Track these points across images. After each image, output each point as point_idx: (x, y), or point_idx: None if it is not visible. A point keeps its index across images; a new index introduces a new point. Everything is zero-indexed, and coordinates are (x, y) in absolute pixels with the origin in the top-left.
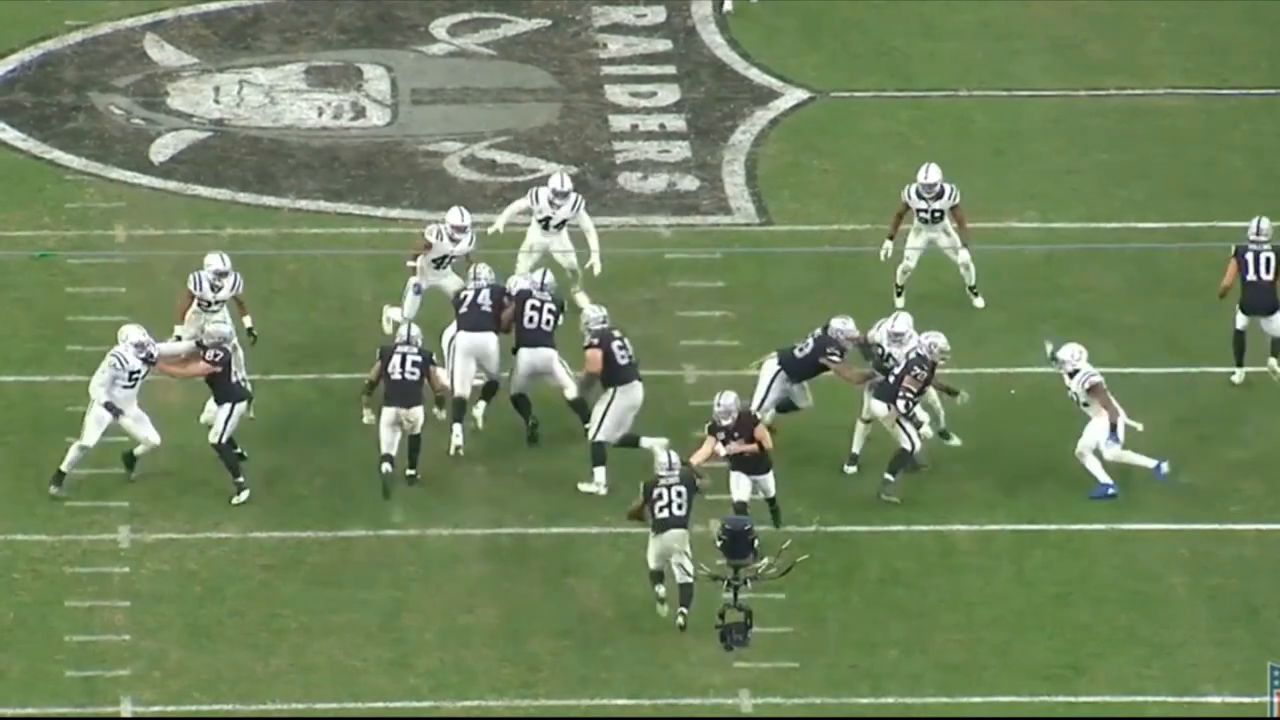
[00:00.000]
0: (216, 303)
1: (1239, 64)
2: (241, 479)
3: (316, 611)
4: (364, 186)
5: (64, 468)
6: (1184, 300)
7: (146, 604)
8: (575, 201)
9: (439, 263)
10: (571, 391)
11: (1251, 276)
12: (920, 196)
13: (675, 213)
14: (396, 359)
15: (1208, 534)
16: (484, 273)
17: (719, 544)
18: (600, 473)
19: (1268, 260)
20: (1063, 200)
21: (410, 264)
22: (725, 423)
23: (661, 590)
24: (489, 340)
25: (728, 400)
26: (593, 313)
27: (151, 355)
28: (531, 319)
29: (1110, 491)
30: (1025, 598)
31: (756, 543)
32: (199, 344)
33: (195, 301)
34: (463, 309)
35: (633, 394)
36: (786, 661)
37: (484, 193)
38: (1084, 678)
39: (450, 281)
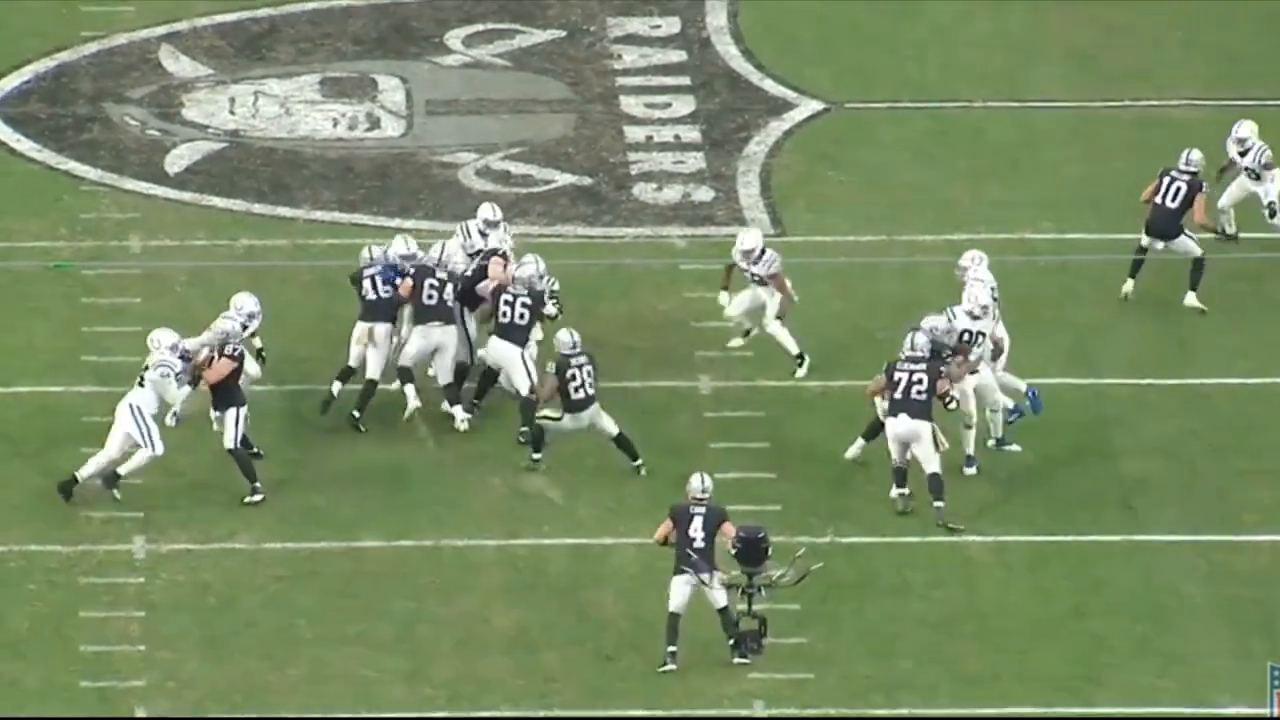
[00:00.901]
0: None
1: (1255, 74)
2: (258, 483)
3: (331, 622)
4: (379, 197)
5: (124, 471)
6: (1197, 312)
7: (161, 614)
8: (505, 230)
9: (473, 257)
10: (524, 389)
11: (1159, 199)
12: (742, 261)
13: (690, 224)
14: (366, 282)
15: (1223, 545)
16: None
17: (733, 552)
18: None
19: (1178, 189)
20: (1077, 211)
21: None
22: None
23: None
24: (447, 333)
25: (706, 482)
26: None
27: (186, 352)
28: (505, 313)
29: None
30: (1040, 608)
31: (770, 551)
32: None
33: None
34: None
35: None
36: (801, 672)
37: (499, 204)
38: (1100, 688)
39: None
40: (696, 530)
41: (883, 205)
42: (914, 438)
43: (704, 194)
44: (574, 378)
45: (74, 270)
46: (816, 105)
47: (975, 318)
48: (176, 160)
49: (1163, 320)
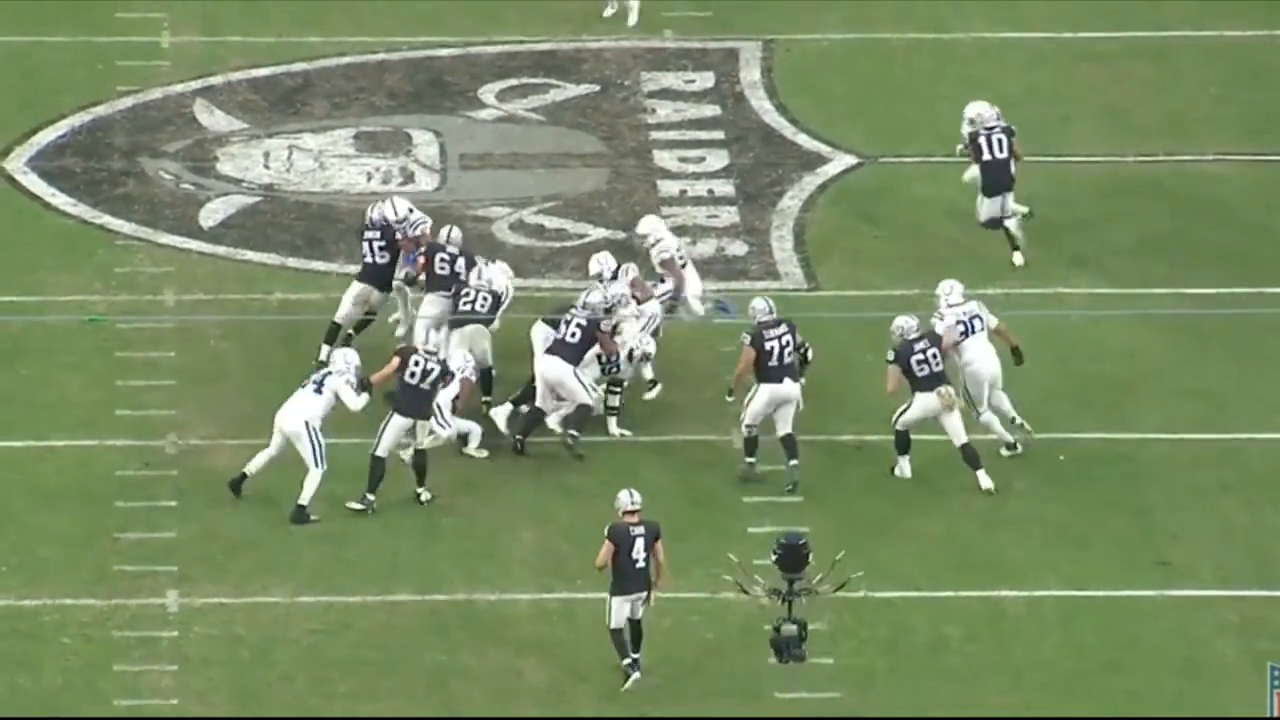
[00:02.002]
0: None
1: None
2: (372, 496)
3: (364, 675)
4: None
5: (306, 500)
6: (1232, 366)
7: (194, 668)
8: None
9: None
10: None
11: (988, 157)
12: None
13: (723, 278)
14: (364, 245)
15: (1257, 600)
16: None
17: (774, 558)
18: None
19: (999, 141)
20: (1112, 266)
21: None
22: (633, 517)
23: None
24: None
25: (636, 497)
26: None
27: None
28: (560, 329)
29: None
30: (1074, 663)
31: (811, 557)
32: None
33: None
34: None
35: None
36: None
37: (532, 258)
38: None
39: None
40: (639, 551)
41: (917, 260)
42: (557, 382)
43: (738, 248)
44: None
45: (108, 324)
46: (850, 160)
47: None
48: (211, 214)
49: (1197, 375)
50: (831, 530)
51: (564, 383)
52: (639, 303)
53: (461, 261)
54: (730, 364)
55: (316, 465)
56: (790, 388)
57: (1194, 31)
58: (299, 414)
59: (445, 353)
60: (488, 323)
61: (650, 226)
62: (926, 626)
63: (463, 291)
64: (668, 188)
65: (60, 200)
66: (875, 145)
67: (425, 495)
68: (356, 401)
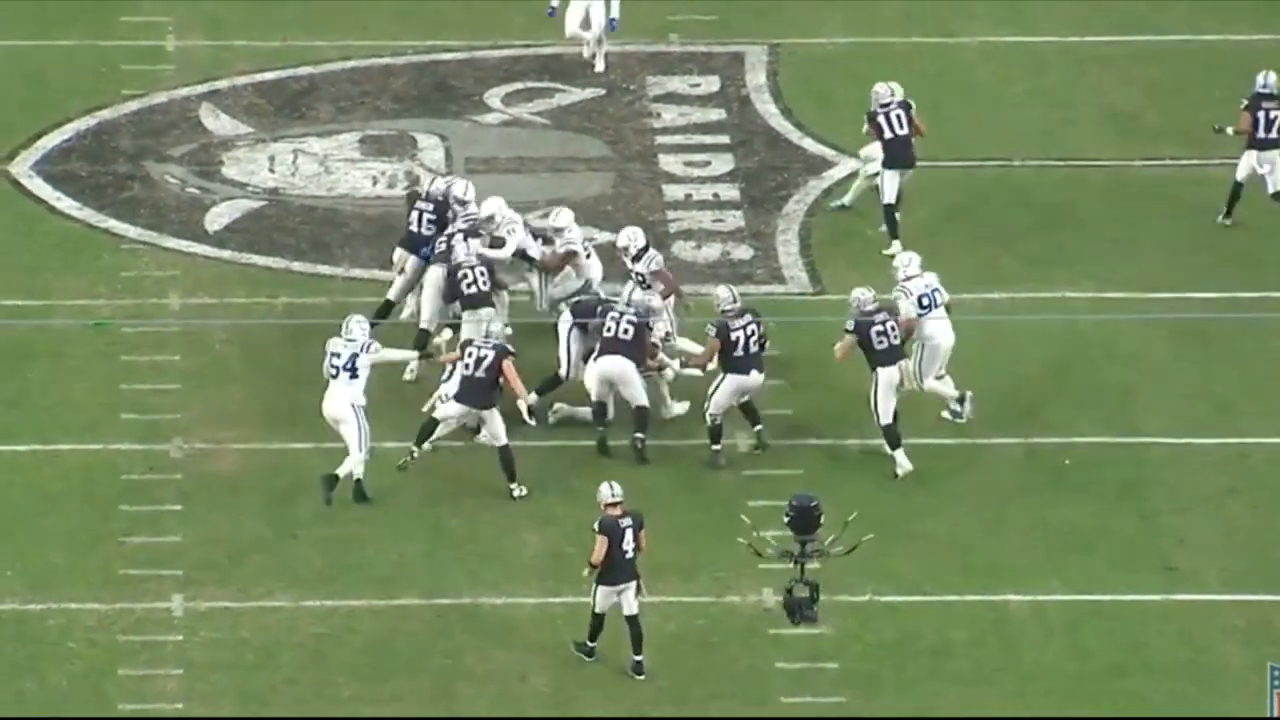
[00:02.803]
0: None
1: None
2: (416, 450)
3: (369, 680)
4: None
5: (341, 472)
6: (1237, 370)
7: (199, 672)
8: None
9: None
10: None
11: (889, 135)
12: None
13: (729, 282)
14: (414, 214)
15: (1263, 604)
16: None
17: (786, 520)
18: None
19: (898, 117)
20: (1117, 269)
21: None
22: (616, 510)
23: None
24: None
25: (617, 489)
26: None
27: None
28: (609, 329)
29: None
30: (1079, 667)
31: (823, 519)
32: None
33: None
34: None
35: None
36: None
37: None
38: None
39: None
40: (629, 543)
41: (921, 262)
42: (622, 379)
43: (743, 252)
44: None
45: (113, 328)
46: (855, 164)
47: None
48: (216, 218)
49: (1202, 379)
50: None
51: (630, 380)
52: (664, 296)
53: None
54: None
55: (360, 449)
56: (756, 378)
57: (1198, 35)
58: (344, 399)
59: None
60: (490, 297)
61: (629, 238)
62: (932, 631)
63: (459, 273)
64: (673, 192)
65: (65, 204)
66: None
67: (518, 491)
68: (396, 354)
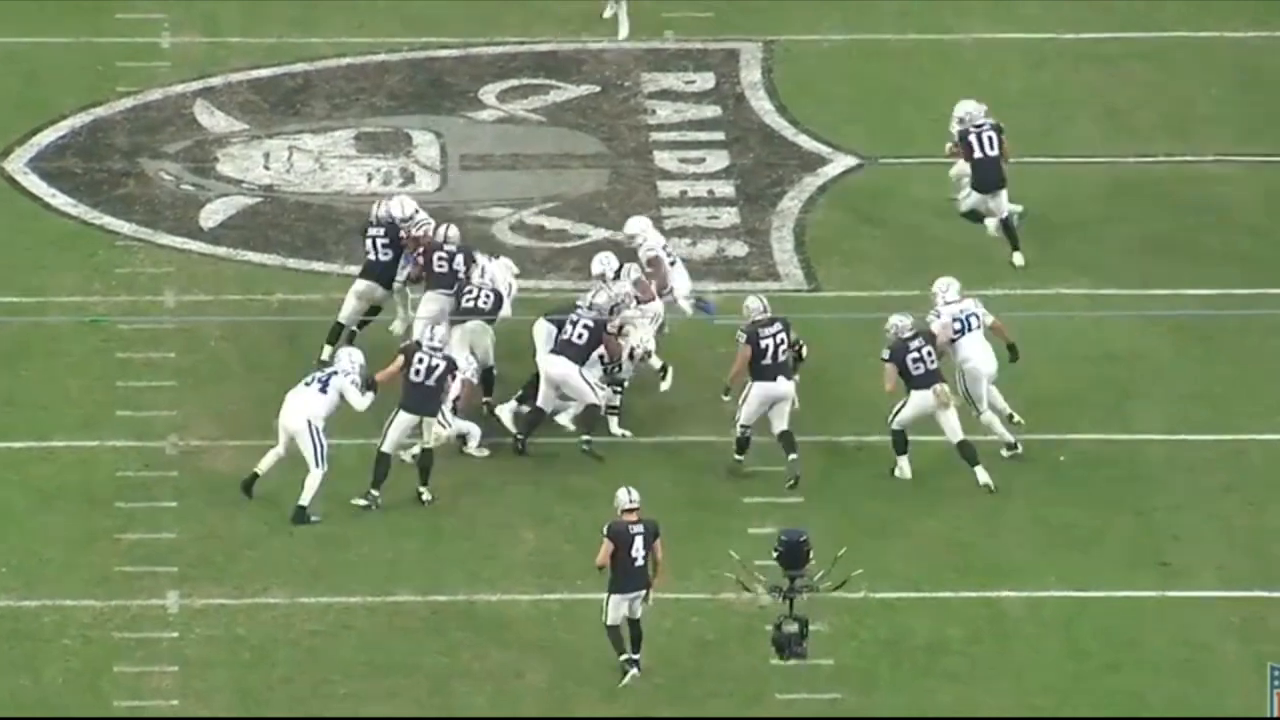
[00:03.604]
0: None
1: None
2: (376, 493)
3: (365, 677)
4: None
5: (306, 501)
6: (1234, 368)
7: (195, 669)
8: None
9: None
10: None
11: (979, 155)
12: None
13: (724, 279)
14: (368, 242)
15: (1259, 601)
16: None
17: (775, 555)
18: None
19: (989, 138)
20: (1113, 267)
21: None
22: (631, 514)
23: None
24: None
25: (634, 495)
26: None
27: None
28: (566, 330)
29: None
30: (1075, 665)
31: (812, 554)
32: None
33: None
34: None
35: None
36: None
37: (533, 258)
38: None
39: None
40: (638, 550)
41: (917, 260)
42: (562, 381)
43: (738, 249)
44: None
45: (109, 325)
46: (851, 161)
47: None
48: (211, 215)
49: (1199, 376)
50: (832, 531)
51: (569, 382)
52: (640, 303)
53: (460, 259)
54: (728, 364)
55: (317, 465)
56: (785, 386)
57: (1193, 32)
58: (302, 412)
59: (449, 348)
60: (490, 320)
61: (638, 226)
62: (927, 627)
63: (465, 289)
64: (668, 189)
65: (60, 201)
66: (875, 146)
67: (427, 495)
68: (361, 401)
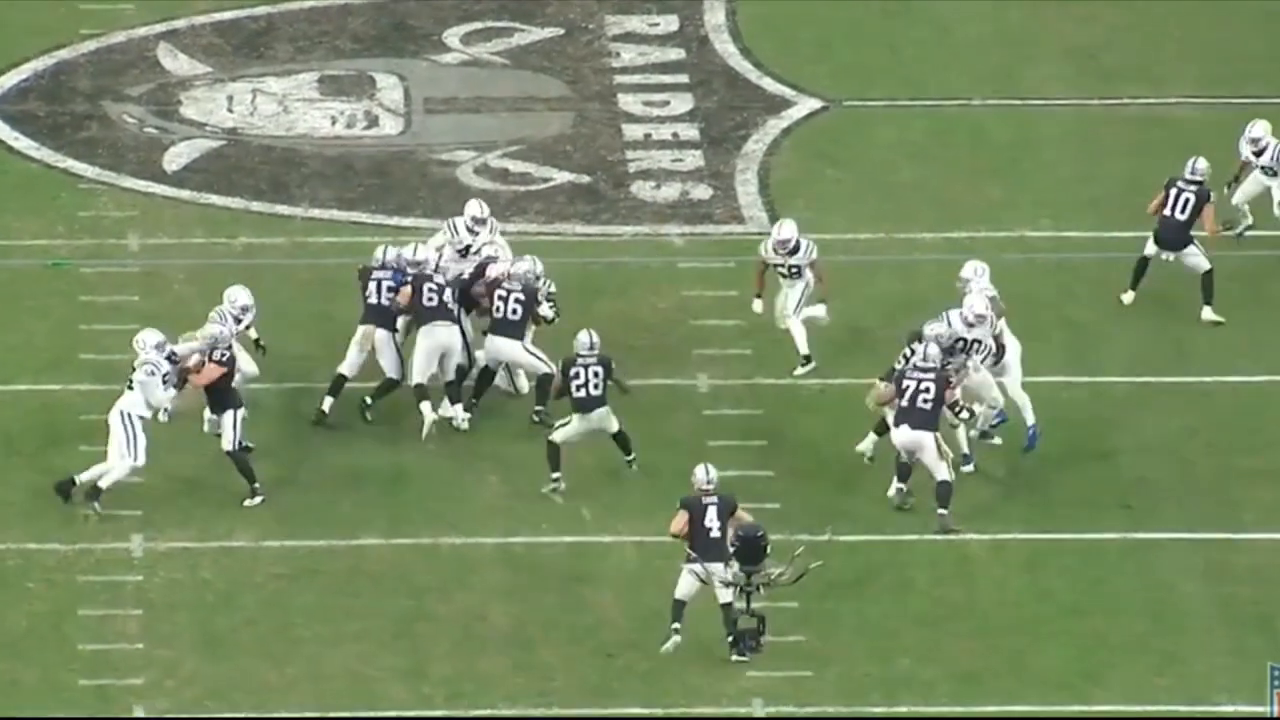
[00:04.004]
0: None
1: (1253, 73)
2: (258, 484)
3: (330, 620)
4: (377, 195)
5: (103, 485)
6: (1196, 309)
7: (160, 613)
8: (492, 227)
9: (463, 253)
10: (540, 369)
11: (1168, 212)
12: (775, 252)
13: (688, 222)
14: (372, 285)
15: (1221, 543)
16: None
17: (731, 550)
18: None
19: (1186, 200)
20: (1076, 209)
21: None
22: (707, 500)
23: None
24: (452, 333)
25: (712, 473)
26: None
27: (173, 353)
28: (499, 308)
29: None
30: (1039, 607)
31: (769, 549)
32: (202, 350)
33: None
34: (431, 303)
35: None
36: (799, 670)
37: (497, 202)
38: (1098, 687)
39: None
40: (712, 520)
41: (881, 203)
42: (917, 447)
43: (702, 192)
44: (578, 376)
45: (72, 268)
46: (815, 103)
47: (970, 325)
48: (175, 158)
49: (1162, 319)
50: (795, 474)
51: (519, 359)
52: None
53: (449, 293)
54: (694, 308)
55: (122, 456)
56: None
57: None
58: (118, 405)
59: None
60: (543, 319)
61: (791, 230)
62: (892, 570)
63: (496, 293)
64: (632, 131)
65: (23, 144)
66: (840, 89)
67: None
68: (162, 397)
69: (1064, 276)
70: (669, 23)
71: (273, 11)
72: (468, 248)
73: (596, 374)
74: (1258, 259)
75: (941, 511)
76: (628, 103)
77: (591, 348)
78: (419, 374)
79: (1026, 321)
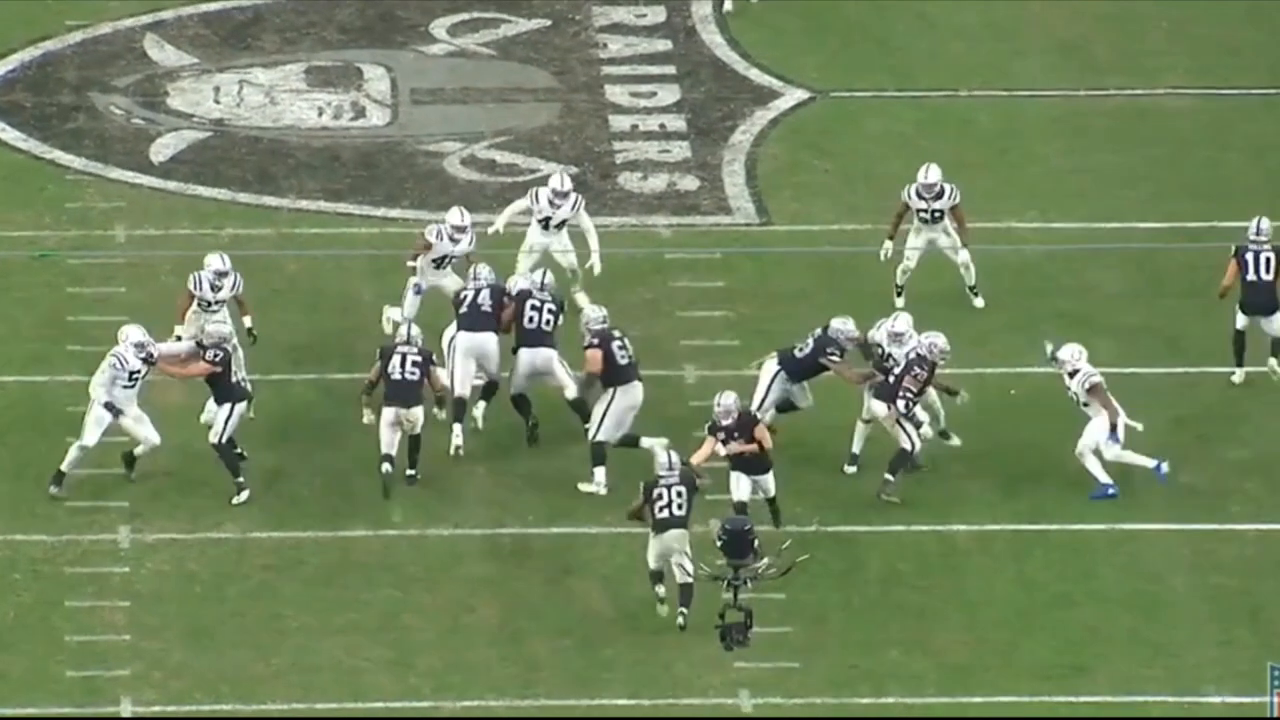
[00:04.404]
0: (216, 303)
1: (1240, 64)
2: (242, 479)
3: (317, 611)
4: (364, 186)
5: (64, 468)
6: (1185, 300)
7: (147, 604)
8: (575, 201)
9: (439, 263)
10: (571, 391)
11: (1251, 276)
12: (920, 196)
13: (675, 213)
14: (396, 359)
15: (1209, 534)
16: (484, 272)
17: (719, 544)
18: (600, 473)
19: (1268, 260)
20: (1064, 200)
21: (410, 264)
22: (725, 422)
23: (661, 590)
24: (489, 340)
25: (728, 400)
26: (593, 313)
27: (151, 355)
28: (531, 319)
29: (1110, 492)
30: (1027, 598)
31: (756, 543)
32: (199, 344)
33: (195, 301)
34: (463, 309)
35: (633, 394)
36: (787, 661)
37: (484, 193)
38: (1086, 678)
39: (450, 281)
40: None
41: (868, 195)
42: (880, 412)
43: (689, 183)
44: (661, 497)
45: (59, 259)
46: (802, 94)
47: (895, 336)
48: (161, 149)
49: (1150, 310)
50: (781, 464)
51: (553, 371)
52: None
53: (487, 294)
54: (681, 299)
55: (81, 438)
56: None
57: None
58: (92, 383)
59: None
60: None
61: (937, 174)
62: (879, 561)
63: (528, 303)
64: (619, 123)
65: (10, 135)
66: (827, 80)
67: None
68: (113, 392)
69: (1051, 268)
70: (656, 14)
71: (259, 3)
72: (548, 219)
73: (680, 494)
74: None
75: (887, 476)
76: (615, 94)
77: (671, 467)
78: (460, 384)
79: (1013, 313)
